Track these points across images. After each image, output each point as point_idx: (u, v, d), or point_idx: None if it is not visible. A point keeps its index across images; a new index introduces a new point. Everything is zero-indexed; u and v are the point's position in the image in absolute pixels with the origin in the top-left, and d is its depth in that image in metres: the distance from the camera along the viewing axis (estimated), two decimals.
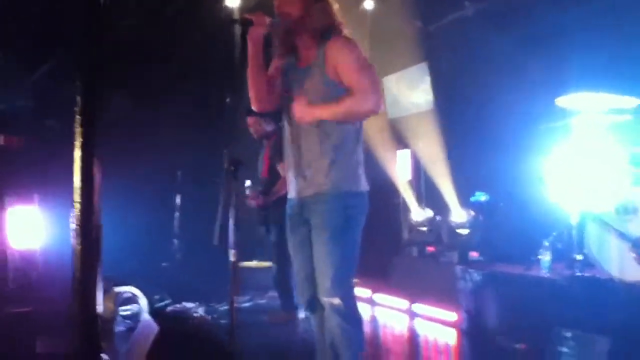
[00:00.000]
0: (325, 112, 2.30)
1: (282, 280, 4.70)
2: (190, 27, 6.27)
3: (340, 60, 2.29)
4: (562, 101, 4.25)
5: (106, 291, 4.18)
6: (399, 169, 6.83)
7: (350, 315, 2.38)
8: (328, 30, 2.37)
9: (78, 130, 2.21)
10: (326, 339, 2.44)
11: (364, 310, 5.16)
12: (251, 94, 2.46)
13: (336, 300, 2.32)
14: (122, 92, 6.14)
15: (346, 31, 2.43)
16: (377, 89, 2.29)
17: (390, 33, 6.48)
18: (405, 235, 6.11)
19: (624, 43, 4.30)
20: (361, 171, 2.41)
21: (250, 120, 4.68)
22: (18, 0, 5.19)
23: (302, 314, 4.74)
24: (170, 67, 6.63)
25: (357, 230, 2.38)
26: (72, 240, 2.17)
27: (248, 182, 4.71)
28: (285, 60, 2.50)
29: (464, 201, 5.51)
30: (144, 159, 6.84)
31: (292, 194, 2.48)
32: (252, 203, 4.63)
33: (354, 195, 2.35)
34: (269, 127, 4.59)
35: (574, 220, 4.11)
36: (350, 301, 2.38)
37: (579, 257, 4.00)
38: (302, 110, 2.32)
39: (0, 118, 5.65)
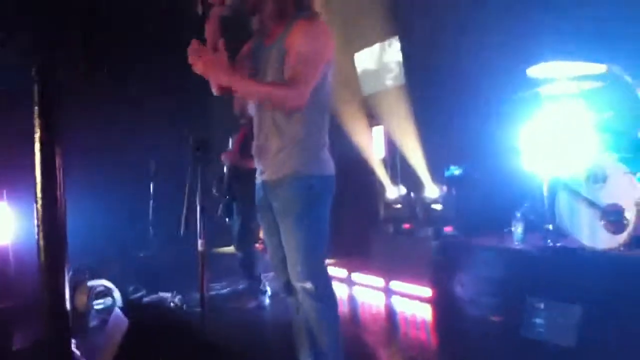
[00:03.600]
0: (243, 83, 2.22)
1: (246, 264, 4.74)
2: (157, 8, 6.13)
3: (294, 44, 2.21)
4: (532, 70, 4.26)
5: (80, 285, 4.13)
6: (373, 146, 6.83)
7: (324, 296, 2.37)
8: (299, 9, 2.30)
9: (37, 122, 2.16)
10: (302, 320, 2.44)
11: (341, 290, 5.23)
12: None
13: (308, 284, 2.31)
14: (87, 79, 5.98)
15: (317, 8, 2.35)
16: (308, 89, 2.19)
17: (360, 8, 6.42)
18: (382, 213, 6.13)
19: (591, 9, 4.30)
20: (325, 155, 2.35)
21: (235, 98, 4.66)
22: None
23: (267, 298, 4.81)
24: (138, 51, 6.48)
25: (323, 211, 2.34)
26: (36, 235, 2.13)
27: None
28: (256, 38, 2.45)
29: (438, 176, 5.53)
30: (117, 148, 6.74)
31: (257, 178, 2.46)
32: (226, 158, 4.68)
33: (316, 178, 2.31)
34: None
35: (545, 191, 4.14)
36: (322, 282, 2.37)
37: (550, 227, 4.04)
38: (208, 66, 2.16)
39: None
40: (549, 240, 3.99)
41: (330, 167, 2.38)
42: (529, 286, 3.69)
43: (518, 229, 4.25)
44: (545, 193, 4.12)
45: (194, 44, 2.19)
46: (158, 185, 6.55)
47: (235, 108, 4.72)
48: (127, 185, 6.65)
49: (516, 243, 4.24)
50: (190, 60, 2.19)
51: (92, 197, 5.66)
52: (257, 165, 2.44)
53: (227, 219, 4.80)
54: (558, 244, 3.93)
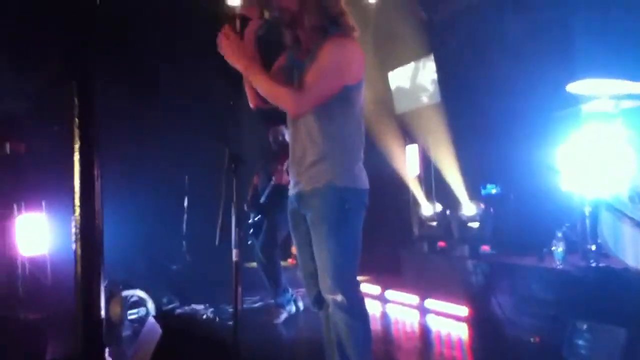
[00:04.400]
0: (254, 74, 2.26)
1: (269, 271, 4.70)
2: (193, 26, 6.24)
3: (318, 58, 2.22)
4: (572, 87, 4.17)
5: (114, 295, 4.16)
6: (408, 164, 6.77)
7: (355, 310, 2.32)
8: (331, 24, 2.30)
9: (76, 133, 2.19)
10: (332, 335, 2.40)
11: (374, 307, 5.14)
12: (246, 90, 2.42)
13: (339, 297, 2.27)
14: (125, 94, 6.12)
15: (351, 23, 2.35)
16: (316, 100, 2.22)
17: (394, 26, 6.42)
18: (416, 231, 6.04)
19: (632, 28, 4.21)
20: (359, 170, 2.34)
21: (271, 129, 4.88)
22: (12, 6, 5.19)
23: (292, 309, 4.77)
24: (174, 68, 6.61)
25: (356, 224, 2.31)
26: (73, 244, 2.15)
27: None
28: (289, 53, 2.46)
29: (474, 194, 5.43)
30: (152, 161, 6.83)
31: (291, 190, 2.45)
32: (279, 179, 4.69)
33: (350, 191, 2.29)
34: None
35: (586, 210, 4.02)
36: (354, 296, 2.32)
37: (593, 247, 3.91)
38: (227, 46, 2.24)
39: (4, 125, 5.67)
40: (592, 261, 3.86)
41: (363, 181, 2.36)
42: (570, 307, 3.57)
43: (559, 249, 4.12)
44: (586, 213, 4.01)
45: (227, 28, 2.26)
46: (192, 198, 6.62)
47: (272, 142, 4.89)
48: (161, 198, 6.73)
49: (557, 263, 4.11)
50: (218, 40, 2.26)
51: (128, 209, 5.74)
52: (292, 177, 2.44)
53: (252, 240, 4.78)
54: (601, 265, 3.80)
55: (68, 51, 2.27)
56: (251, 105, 2.47)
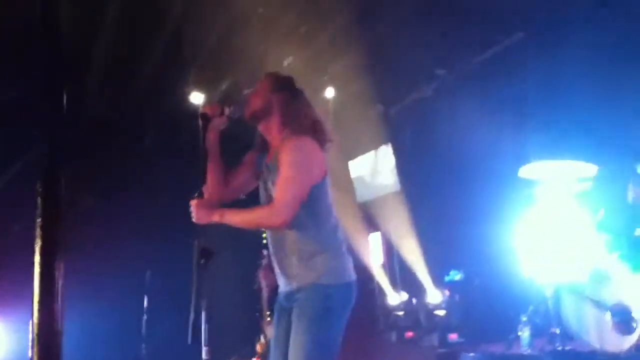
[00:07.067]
0: (229, 217, 2.32)
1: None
2: (157, 120, 6.34)
3: (281, 163, 2.28)
4: (524, 171, 4.34)
5: None
6: (371, 253, 6.79)
7: None
8: (296, 128, 2.36)
9: (39, 233, 2.15)
10: None
11: None
12: (207, 184, 2.45)
13: None
14: (84, 189, 6.06)
15: (325, 131, 2.42)
16: (292, 208, 2.24)
17: (352, 118, 6.63)
18: (382, 321, 5.97)
19: (581, 111, 4.46)
20: (342, 262, 2.35)
21: None
22: None
23: None
24: (136, 162, 6.61)
25: (338, 324, 2.30)
26: (30, 350, 2.05)
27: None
28: (258, 151, 2.52)
29: (439, 280, 5.45)
30: (109, 257, 6.64)
31: (280, 287, 2.44)
32: (263, 283, 4.57)
33: (335, 287, 2.30)
34: None
35: (549, 293, 4.08)
36: None
37: (557, 330, 3.93)
38: (197, 212, 2.32)
39: None
40: (557, 344, 3.87)
41: (345, 274, 2.35)
42: None
43: (525, 334, 4.13)
44: (548, 296, 4.06)
45: (194, 202, 2.33)
46: (152, 297, 6.39)
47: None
48: (119, 298, 6.47)
49: (524, 348, 4.10)
50: (191, 212, 2.33)
51: (83, 311, 5.50)
52: (279, 279, 2.43)
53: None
54: (567, 348, 3.81)
55: (34, 150, 2.28)
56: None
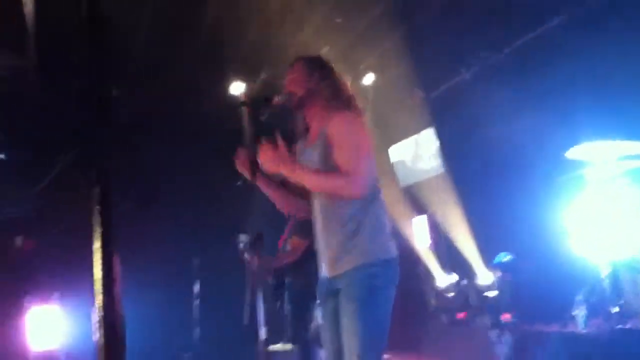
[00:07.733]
0: (301, 173, 2.25)
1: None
2: (198, 112, 6.42)
3: (336, 136, 2.24)
4: (572, 153, 4.23)
5: None
6: (417, 236, 6.75)
7: None
8: (338, 104, 2.33)
9: (97, 219, 2.21)
10: None
11: None
12: (274, 199, 2.48)
13: None
14: (134, 180, 6.23)
15: (359, 105, 2.38)
16: (368, 178, 2.22)
17: (393, 104, 6.59)
18: (433, 303, 5.93)
19: (630, 89, 4.31)
20: (385, 238, 2.32)
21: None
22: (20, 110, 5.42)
23: None
24: (182, 152, 6.74)
25: (386, 303, 2.26)
26: (95, 334, 2.12)
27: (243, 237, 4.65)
28: (300, 141, 2.51)
29: (489, 262, 5.38)
30: (159, 247, 6.81)
31: (322, 272, 2.43)
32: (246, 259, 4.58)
33: (380, 264, 2.26)
34: None
35: (604, 272, 3.97)
36: None
37: (615, 309, 3.83)
38: (267, 157, 2.26)
39: (14, 223, 5.75)
40: (615, 323, 3.77)
41: (392, 250, 2.33)
42: None
43: (581, 313, 4.04)
44: (603, 276, 3.96)
45: (264, 146, 2.28)
46: (203, 283, 6.53)
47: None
48: (171, 285, 6.64)
49: (580, 327, 4.01)
50: (260, 157, 2.28)
51: (136, 297, 5.66)
52: (322, 261, 2.41)
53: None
54: (627, 326, 3.71)
55: (86, 157, 2.35)
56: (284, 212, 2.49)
